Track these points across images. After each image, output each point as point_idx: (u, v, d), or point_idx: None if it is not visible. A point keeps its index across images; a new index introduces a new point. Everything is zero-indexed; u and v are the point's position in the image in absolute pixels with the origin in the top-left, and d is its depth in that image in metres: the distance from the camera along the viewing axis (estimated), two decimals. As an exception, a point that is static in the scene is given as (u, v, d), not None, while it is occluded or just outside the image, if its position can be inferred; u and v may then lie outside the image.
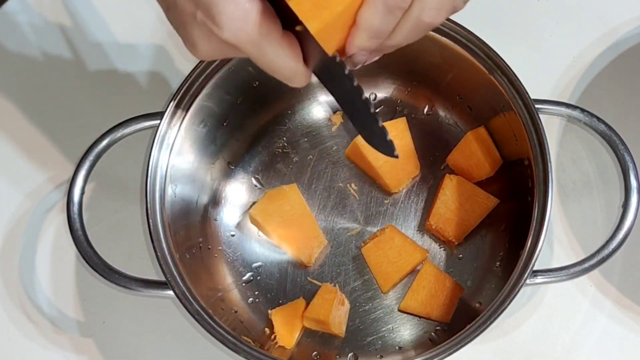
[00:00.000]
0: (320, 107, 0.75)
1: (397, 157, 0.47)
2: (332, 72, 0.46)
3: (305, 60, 0.46)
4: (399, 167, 0.71)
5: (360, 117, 0.48)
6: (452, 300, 0.67)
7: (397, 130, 0.70)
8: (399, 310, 0.69)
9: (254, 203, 0.71)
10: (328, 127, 0.75)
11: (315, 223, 0.70)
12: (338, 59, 0.45)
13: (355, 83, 0.45)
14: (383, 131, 0.47)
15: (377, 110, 0.47)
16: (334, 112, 0.75)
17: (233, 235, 0.71)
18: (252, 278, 0.71)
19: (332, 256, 0.71)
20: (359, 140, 0.69)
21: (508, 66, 0.63)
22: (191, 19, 0.44)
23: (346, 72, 0.45)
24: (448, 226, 0.68)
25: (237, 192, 0.73)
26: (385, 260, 0.68)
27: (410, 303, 0.67)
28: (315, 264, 0.70)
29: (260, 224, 0.70)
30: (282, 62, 0.45)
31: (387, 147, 0.48)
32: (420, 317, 0.68)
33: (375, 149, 0.48)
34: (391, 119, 0.73)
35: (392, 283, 0.69)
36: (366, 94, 0.46)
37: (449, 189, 0.69)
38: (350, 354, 0.67)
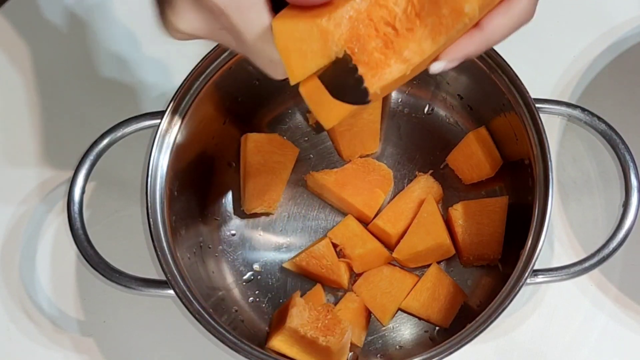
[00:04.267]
0: (320, 107, 0.75)
1: (369, 102, 0.44)
2: None
3: None
4: (357, 139, 0.71)
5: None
6: (453, 305, 0.67)
7: (371, 108, 0.70)
8: (400, 310, 0.69)
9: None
10: (328, 127, 0.75)
11: None
12: None
13: None
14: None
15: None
16: (310, 112, 0.75)
17: (234, 235, 0.72)
18: (252, 277, 0.71)
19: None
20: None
21: (508, 65, 0.63)
22: None
23: None
24: (482, 249, 0.68)
25: (238, 191, 0.73)
26: (378, 293, 0.68)
27: (411, 303, 0.67)
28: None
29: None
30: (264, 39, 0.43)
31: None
32: (420, 318, 0.68)
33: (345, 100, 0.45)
34: (392, 118, 0.73)
35: (391, 314, 0.68)
36: None
37: (461, 218, 0.68)
38: (350, 353, 0.67)
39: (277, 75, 0.46)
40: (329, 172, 0.71)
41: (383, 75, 0.43)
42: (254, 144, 0.70)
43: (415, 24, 0.43)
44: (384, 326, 0.69)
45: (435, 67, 0.45)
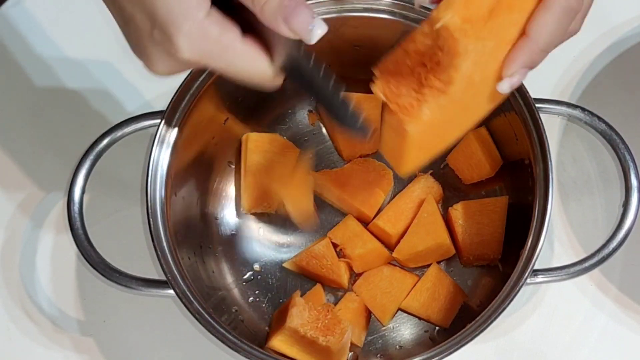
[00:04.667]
0: (320, 107, 0.75)
1: (367, 137, 0.47)
2: (300, 65, 0.45)
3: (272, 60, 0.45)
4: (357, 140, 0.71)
5: (330, 104, 0.47)
6: (453, 305, 0.67)
7: (370, 106, 0.70)
8: (400, 310, 0.69)
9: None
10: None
11: None
12: (302, 47, 0.44)
13: (322, 72, 0.45)
14: (355, 115, 0.47)
15: (346, 96, 0.48)
16: (310, 112, 0.75)
17: (234, 235, 0.71)
18: (252, 277, 0.71)
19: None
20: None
21: (509, 65, 0.63)
22: (148, 37, 0.43)
23: (312, 62, 0.45)
24: (482, 248, 0.68)
25: (238, 190, 0.72)
26: (378, 293, 0.68)
27: (411, 303, 0.67)
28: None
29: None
30: (250, 69, 0.44)
31: (360, 129, 0.47)
32: (420, 318, 0.68)
33: (348, 131, 0.48)
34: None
35: (391, 314, 0.68)
36: (335, 79, 0.46)
37: (461, 218, 0.68)
38: (350, 353, 0.67)
39: (269, 89, 0.47)
40: (329, 171, 0.71)
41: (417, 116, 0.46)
42: (255, 143, 0.70)
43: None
44: (384, 326, 0.69)
45: (501, 86, 0.46)
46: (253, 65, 0.44)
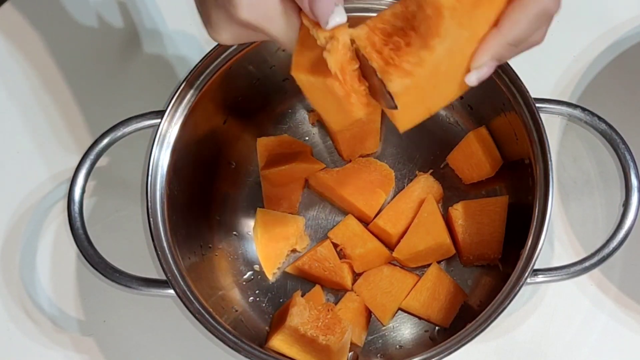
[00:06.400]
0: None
1: (396, 107, 0.46)
2: None
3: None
4: (358, 139, 0.71)
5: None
6: (453, 305, 0.67)
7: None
8: (400, 309, 0.69)
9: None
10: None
11: None
12: None
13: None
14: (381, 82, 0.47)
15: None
16: (310, 112, 0.75)
17: (234, 234, 0.72)
18: (252, 277, 0.71)
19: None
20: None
21: (509, 65, 0.63)
22: (214, 3, 0.45)
23: None
24: (483, 248, 0.68)
25: (238, 190, 0.73)
26: (378, 293, 0.68)
27: (412, 303, 0.67)
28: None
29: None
30: (296, 37, 0.45)
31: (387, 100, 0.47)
32: (420, 318, 0.68)
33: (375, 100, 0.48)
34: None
35: (391, 313, 0.68)
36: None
37: (461, 217, 0.68)
38: (350, 353, 0.67)
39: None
40: (330, 171, 0.71)
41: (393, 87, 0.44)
42: (265, 147, 0.71)
43: (411, 36, 0.44)
44: (384, 326, 0.69)
45: (469, 79, 0.45)
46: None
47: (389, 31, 0.45)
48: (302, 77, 0.46)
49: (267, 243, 0.70)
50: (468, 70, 0.45)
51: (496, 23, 0.44)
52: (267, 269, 0.69)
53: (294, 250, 0.71)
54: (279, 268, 0.70)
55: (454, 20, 0.42)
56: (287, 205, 0.71)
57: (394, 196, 0.71)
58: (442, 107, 0.47)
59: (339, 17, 0.43)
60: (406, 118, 0.46)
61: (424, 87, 0.44)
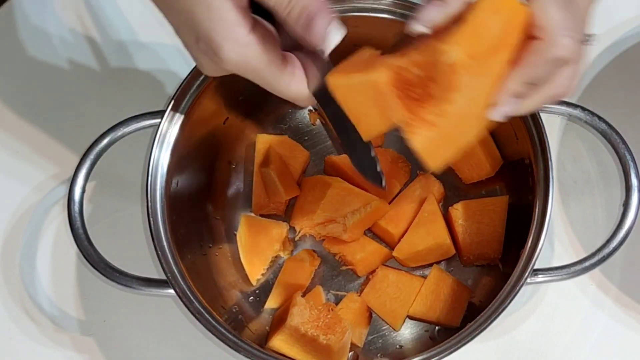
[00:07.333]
0: (321, 106, 0.75)
1: (384, 188, 0.48)
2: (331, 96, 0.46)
3: (307, 80, 0.47)
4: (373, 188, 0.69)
5: (352, 143, 0.48)
6: (460, 303, 0.67)
7: None
8: (408, 317, 0.68)
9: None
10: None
11: None
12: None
13: None
14: (374, 162, 0.47)
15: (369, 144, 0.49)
16: (310, 111, 0.75)
17: (234, 234, 0.71)
18: (252, 277, 0.71)
19: (331, 257, 0.71)
20: None
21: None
22: (195, 46, 0.46)
23: None
24: (483, 248, 0.68)
25: (238, 190, 0.73)
26: (387, 299, 0.68)
27: (418, 308, 0.67)
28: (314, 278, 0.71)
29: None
30: (286, 87, 0.46)
31: (375, 177, 0.48)
32: (430, 322, 0.68)
33: (363, 176, 0.49)
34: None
35: (402, 318, 0.68)
36: None
37: (461, 217, 0.68)
38: (350, 353, 0.67)
39: (302, 104, 0.49)
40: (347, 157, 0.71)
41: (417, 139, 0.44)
42: (264, 145, 0.71)
43: (431, 87, 0.44)
44: (384, 326, 0.68)
45: (492, 114, 0.45)
46: (289, 85, 0.46)
47: (410, 79, 0.45)
48: (341, 81, 0.46)
49: (250, 249, 0.69)
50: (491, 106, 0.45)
51: (514, 61, 0.44)
52: (251, 274, 0.69)
53: (278, 256, 0.71)
54: (262, 274, 0.70)
55: (469, 74, 0.42)
56: (275, 205, 0.71)
57: (396, 195, 0.71)
58: (472, 142, 0.47)
59: (337, 35, 0.43)
60: (437, 160, 0.46)
61: (450, 134, 0.45)
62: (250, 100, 0.70)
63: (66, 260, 0.72)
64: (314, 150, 0.74)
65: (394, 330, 0.68)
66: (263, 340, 0.66)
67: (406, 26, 0.44)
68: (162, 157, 0.63)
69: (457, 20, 0.43)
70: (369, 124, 0.47)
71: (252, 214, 0.71)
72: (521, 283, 0.58)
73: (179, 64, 0.78)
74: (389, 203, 0.70)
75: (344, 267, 0.70)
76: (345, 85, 0.46)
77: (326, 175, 0.72)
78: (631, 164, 0.61)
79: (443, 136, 0.44)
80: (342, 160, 0.70)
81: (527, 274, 0.58)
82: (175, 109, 0.63)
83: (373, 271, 0.69)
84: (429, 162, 0.46)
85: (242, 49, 0.44)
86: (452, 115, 0.44)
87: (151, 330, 0.70)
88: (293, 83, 0.47)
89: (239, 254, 0.70)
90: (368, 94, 0.45)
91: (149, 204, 0.61)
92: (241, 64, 0.44)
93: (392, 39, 0.62)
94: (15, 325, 0.71)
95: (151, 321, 0.70)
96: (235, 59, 0.44)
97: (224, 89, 0.66)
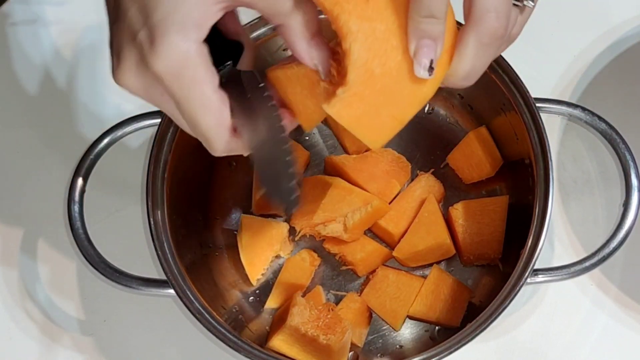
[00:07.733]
0: (320, 106, 0.75)
1: (296, 205, 0.45)
2: (267, 152, 0.46)
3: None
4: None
5: (281, 190, 0.45)
6: (460, 303, 0.67)
7: None
8: (409, 317, 0.68)
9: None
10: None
11: None
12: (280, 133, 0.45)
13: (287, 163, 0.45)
14: (292, 178, 0.45)
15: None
16: None
17: (234, 234, 0.71)
18: (252, 277, 0.71)
19: (331, 257, 0.71)
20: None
21: (509, 65, 0.63)
22: (131, 37, 0.41)
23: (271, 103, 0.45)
24: (483, 248, 0.68)
25: (238, 190, 0.73)
26: (387, 299, 0.68)
27: (418, 308, 0.67)
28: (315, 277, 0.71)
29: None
30: (204, 121, 0.42)
31: (291, 203, 0.45)
32: (430, 322, 0.68)
33: (278, 202, 0.46)
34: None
35: (402, 318, 0.68)
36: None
37: (461, 217, 0.68)
38: (350, 353, 0.67)
39: (213, 152, 0.45)
40: (348, 157, 0.71)
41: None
42: None
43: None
44: (384, 326, 0.69)
45: (417, 71, 0.41)
46: (210, 119, 0.42)
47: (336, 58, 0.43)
48: (279, 73, 0.46)
49: (251, 249, 0.69)
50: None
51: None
52: (251, 274, 0.69)
53: (278, 256, 0.71)
54: (263, 274, 0.70)
55: (351, 15, 0.40)
56: (274, 206, 0.71)
57: (396, 195, 0.71)
58: (413, 114, 0.44)
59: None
60: (373, 134, 0.44)
61: (377, 102, 0.42)
62: (250, 100, 0.70)
63: (66, 261, 0.72)
64: (314, 150, 0.74)
65: (394, 330, 0.68)
66: (263, 340, 0.66)
67: None
68: (161, 157, 0.63)
69: None
70: (307, 114, 0.47)
71: (252, 214, 0.71)
72: (521, 283, 0.58)
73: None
74: (389, 203, 0.70)
75: (344, 267, 0.70)
76: (283, 77, 0.46)
77: (326, 175, 0.72)
78: (631, 164, 0.62)
79: (371, 106, 0.41)
80: (342, 160, 0.70)
81: (527, 274, 0.58)
82: (175, 109, 0.63)
83: (373, 271, 0.69)
84: (365, 139, 0.43)
85: (185, 50, 0.40)
86: (358, 70, 0.40)
87: (151, 330, 0.70)
88: (215, 120, 0.42)
89: (239, 254, 0.70)
90: (303, 84, 0.45)
91: (149, 204, 0.61)
92: (175, 65, 0.40)
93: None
94: (15, 325, 0.71)
95: (151, 321, 0.70)
96: (172, 58, 0.40)
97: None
